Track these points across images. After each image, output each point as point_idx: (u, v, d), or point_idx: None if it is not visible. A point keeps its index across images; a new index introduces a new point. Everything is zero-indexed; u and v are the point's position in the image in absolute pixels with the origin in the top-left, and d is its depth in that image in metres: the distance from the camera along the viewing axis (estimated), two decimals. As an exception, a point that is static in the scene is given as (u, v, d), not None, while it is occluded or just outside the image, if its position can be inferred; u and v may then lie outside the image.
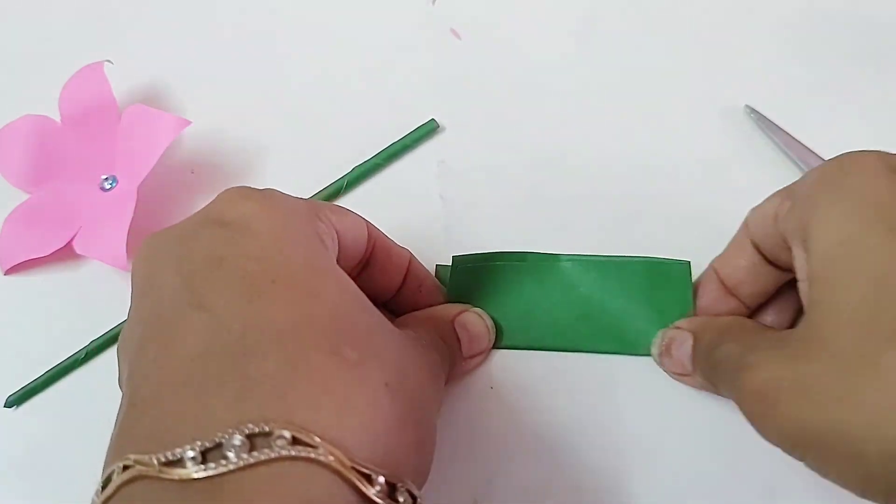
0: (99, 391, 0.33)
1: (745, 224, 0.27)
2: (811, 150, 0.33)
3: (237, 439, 0.17)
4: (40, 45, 0.39)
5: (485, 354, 0.30)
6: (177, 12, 0.40)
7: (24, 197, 0.35)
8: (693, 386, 0.28)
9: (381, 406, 0.19)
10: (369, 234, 0.26)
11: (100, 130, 0.35)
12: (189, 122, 0.33)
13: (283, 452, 0.17)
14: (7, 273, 0.35)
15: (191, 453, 0.17)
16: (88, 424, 0.32)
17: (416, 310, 0.29)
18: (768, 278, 0.26)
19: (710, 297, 0.28)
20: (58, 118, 0.35)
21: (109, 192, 0.34)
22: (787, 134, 0.33)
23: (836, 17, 0.36)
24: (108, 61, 0.35)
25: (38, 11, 0.40)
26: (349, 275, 0.23)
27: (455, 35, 0.37)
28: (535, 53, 0.37)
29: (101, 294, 0.34)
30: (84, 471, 0.31)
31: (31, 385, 0.33)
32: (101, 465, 0.32)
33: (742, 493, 0.27)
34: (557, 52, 0.37)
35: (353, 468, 0.18)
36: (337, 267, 0.23)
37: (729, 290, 0.28)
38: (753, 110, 0.34)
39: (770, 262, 0.26)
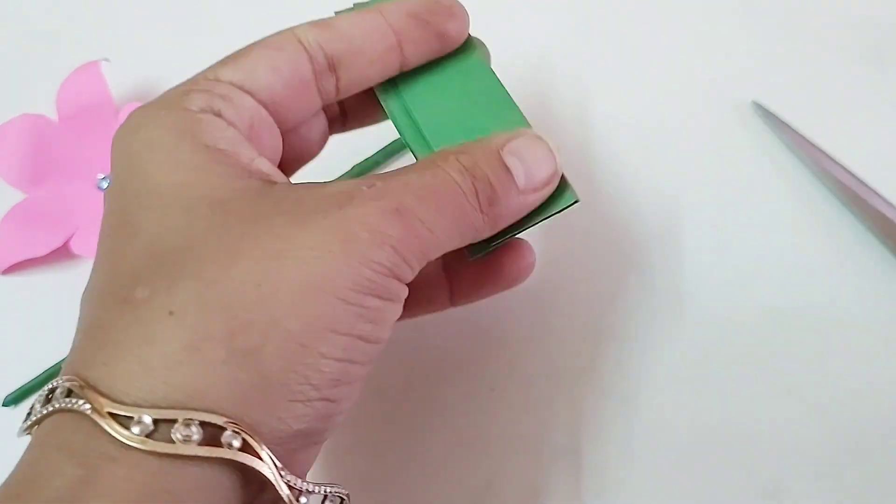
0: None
1: None
2: (817, 147, 0.32)
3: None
4: (37, 43, 0.39)
5: (552, 185, 0.22)
6: (174, 10, 0.39)
7: (21, 196, 0.35)
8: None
9: (156, 340, 0.18)
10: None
11: (97, 129, 0.35)
12: (186, 121, 0.33)
13: (57, 406, 0.18)
14: (4, 273, 0.34)
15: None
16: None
17: None
18: None
19: None
20: (55, 117, 0.35)
21: (107, 192, 0.34)
22: (794, 130, 0.33)
23: (844, 15, 0.36)
24: (106, 59, 0.35)
25: (36, 10, 0.40)
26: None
27: (456, 31, 0.37)
28: (535, 51, 0.36)
29: (98, 294, 0.34)
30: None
31: (30, 384, 0.33)
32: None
33: (743, 494, 0.27)
34: (559, 50, 0.36)
35: (110, 413, 0.17)
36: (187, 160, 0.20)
37: None
38: (760, 106, 0.34)
39: None
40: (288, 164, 0.25)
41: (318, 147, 0.26)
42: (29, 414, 0.19)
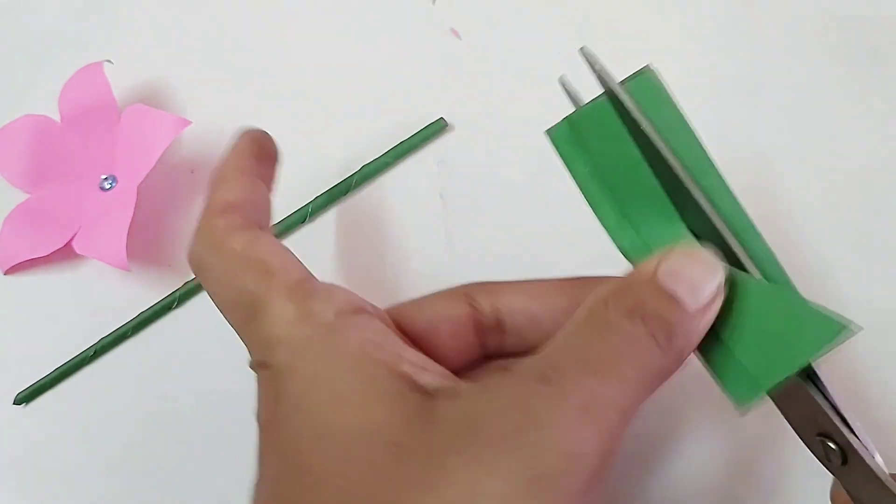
0: (106, 389, 0.33)
1: None
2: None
3: None
4: (40, 44, 0.39)
5: (722, 296, 0.20)
6: (177, 11, 0.39)
7: (24, 197, 0.35)
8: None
9: None
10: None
11: (100, 130, 0.35)
12: (189, 122, 0.33)
13: None
14: (7, 273, 0.35)
15: None
16: (95, 422, 0.33)
17: None
18: None
19: None
20: (58, 118, 0.35)
21: (109, 192, 0.34)
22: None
23: (843, 15, 0.36)
24: (108, 61, 0.35)
25: (38, 11, 0.40)
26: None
27: (455, 35, 0.37)
28: (535, 52, 0.37)
29: (100, 294, 0.34)
30: (91, 467, 0.32)
31: (40, 383, 0.33)
32: (108, 460, 0.32)
33: (741, 495, 0.27)
34: (558, 50, 0.37)
35: None
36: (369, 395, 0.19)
37: None
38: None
39: None
40: None
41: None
42: None
